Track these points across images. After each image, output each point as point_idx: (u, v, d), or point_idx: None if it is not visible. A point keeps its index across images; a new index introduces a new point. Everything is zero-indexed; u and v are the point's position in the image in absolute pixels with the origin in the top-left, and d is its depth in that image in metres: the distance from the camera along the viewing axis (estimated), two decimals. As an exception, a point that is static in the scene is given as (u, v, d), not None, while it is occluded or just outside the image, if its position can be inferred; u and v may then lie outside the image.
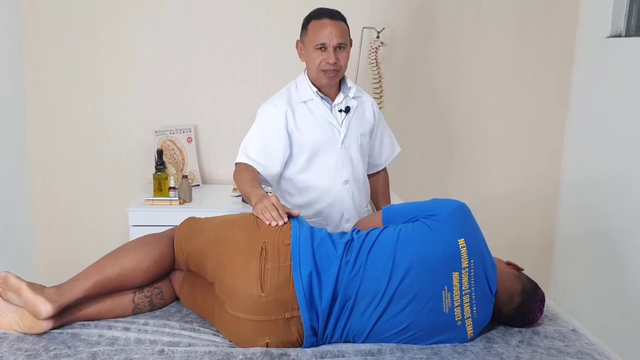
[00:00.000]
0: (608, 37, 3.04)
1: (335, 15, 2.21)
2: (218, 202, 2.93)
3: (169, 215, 2.75)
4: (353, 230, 1.93)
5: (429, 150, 3.35)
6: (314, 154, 2.26)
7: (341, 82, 2.33)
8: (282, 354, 1.73)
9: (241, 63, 3.16)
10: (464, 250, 1.78)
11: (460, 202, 1.89)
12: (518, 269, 2.01)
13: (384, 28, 3.05)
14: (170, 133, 3.12)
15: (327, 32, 2.16)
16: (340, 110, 2.29)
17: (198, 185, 3.16)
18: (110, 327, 1.88)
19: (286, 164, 2.30)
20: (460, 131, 3.34)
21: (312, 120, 2.26)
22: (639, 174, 2.77)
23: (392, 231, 1.85)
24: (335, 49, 2.17)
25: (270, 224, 1.87)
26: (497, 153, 3.39)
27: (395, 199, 3.03)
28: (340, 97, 2.30)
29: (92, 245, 3.19)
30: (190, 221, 2.09)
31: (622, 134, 2.90)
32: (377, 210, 2.64)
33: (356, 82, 3.07)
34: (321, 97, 2.28)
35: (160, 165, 2.91)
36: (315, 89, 2.27)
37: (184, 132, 3.14)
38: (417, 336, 1.80)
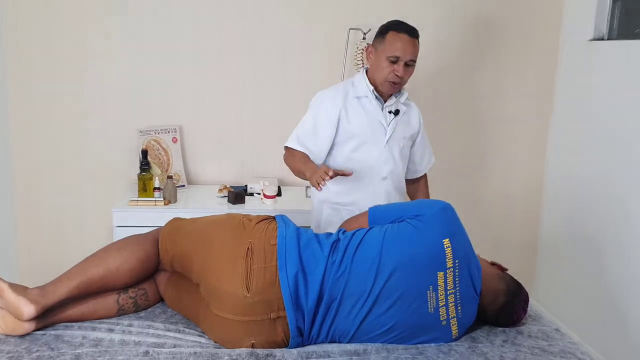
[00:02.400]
0: (591, 40, 3.07)
1: (414, 33, 2.33)
2: (203, 203, 2.92)
3: (153, 216, 2.73)
4: (339, 231, 1.93)
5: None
6: (359, 145, 2.38)
7: None
8: (267, 354, 1.73)
9: (226, 63, 3.15)
10: (448, 251, 1.79)
11: (446, 202, 1.90)
12: (502, 269, 2.02)
13: (370, 29, 3.05)
14: (155, 133, 3.10)
15: (403, 47, 2.29)
16: (390, 112, 2.40)
17: (183, 185, 3.15)
18: (94, 329, 1.86)
19: (333, 150, 2.41)
20: (444, 133, 3.35)
21: (363, 114, 2.37)
22: (621, 175, 2.80)
23: (377, 231, 1.85)
24: (405, 64, 2.30)
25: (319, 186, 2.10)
26: (481, 155, 3.41)
27: (381, 200, 3.04)
28: (392, 100, 2.42)
29: (75, 246, 3.16)
30: (176, 222, 2.08)
31: (604, 136, 2.93)
32: None
33: (342, 83, 3.08)
34: (375, 97, 2.39)
35: (145, 165, 2.90)
36: (372, 88, 2.38)
37: (169, 132, 3.13)
38: (403, 336, 1.81)
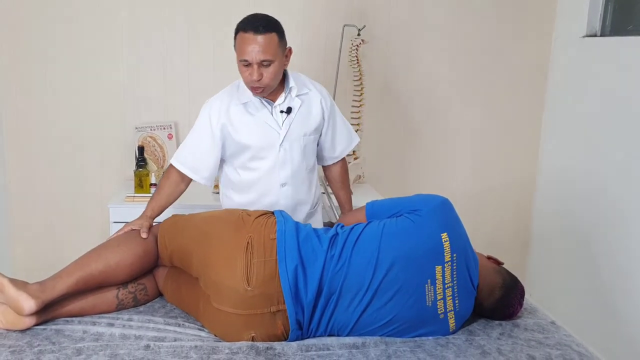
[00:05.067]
0: (584, 36, 3.10)
1: (259, 30, 2.04)
2: (199, 199, 2.91)
3: (150, 211, 2.73)
4: (337, 225, 1.95)
5: (407, 147, 3.38)
6: (251, 156, 2.23)
7: (283, 81, 2.23)
8: (267, 347, 1.74)
9: (221, 60, 3.15)
10: (446, 245, 1.81)
11: (443, 197, 1.92)
12: (498, 263, 2.05)
13: (364, 26, 3.06)
14: (151, 129, 3.10)
15: (249, 48, 2.04)
16: (282, 111, 2.21)
17: (179, 181, 3.15)
18: (94, 323, 1.87)
19: (227, 162, 2.30)
20: (439, 128, 3.37)
21: (251, 122, 2.20)
22: (613, 171, 2.83)
23: (376, 226, 1.87)
24: (259, 65, 2.06)
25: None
26: (475, 150, 3.43)
27: (375, 196, 3.06)
28: (281, 98, 2.21)
29: (72, 242, 3.16)
30: (174, 218, 2.10)
31: (596, 132, 2.96)
32: (337, 199, 2.59)
33: (337, 80, 3.08)
34: (260, 99, 2.20)
35: (141, 161, 2.90)
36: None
37: (164, 128, 3.13)
38: (401, 329, 1.83)
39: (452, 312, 1.85)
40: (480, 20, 3.29)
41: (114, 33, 3.05)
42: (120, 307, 1.99)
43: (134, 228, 2.08)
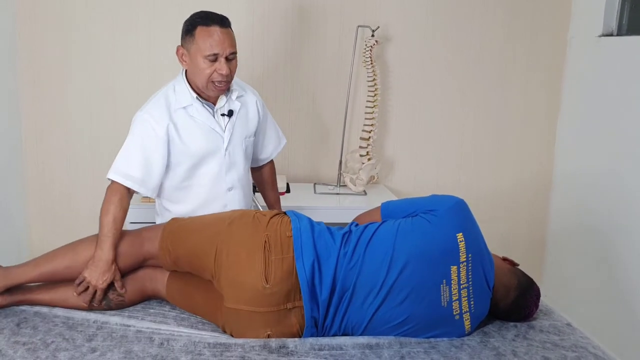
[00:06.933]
0: (600, 36, 3.07)
1: (225, 22, 2.04)
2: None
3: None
4: (351, 224, 1.95)
5: (421, 148, 3.36)
6: (196, 162, 2.14)
7: None
8: (280, 346, 1.75)
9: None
10: (462, 245, 1.80)
11: (459, 197, 1.91)
12: (514, 264, 2.03)
13: (378, 27, 3.06)
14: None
15: (219, 41, 2.00)
16: (223, 115, 2.16)
17: (192, 182, 3.15)
18: (105, 323, 1.88)
19: (166, 173, 2.14)
20: (453, 129, 3.36)
21: (195, 128, 2.11)
22: (630, 171, 2.80)
23: (391, 225, 1.87)
24: (226, 58, 2.03)
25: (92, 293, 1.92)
26: (490, 151, 3.41)
27: (389, 196, 3.06)
28: (222, 101, 2.16)
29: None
30: (178, 222, 2.06)
31: (613, 133, 2.93)
32: (266, 201, 2.58)
33: (350, 81, 3.08)
34: (202, 102, 2.13)
35: (155, 161, 2.90)
36: (195, 95, 2.11)
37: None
38: (415, 329, 1.82)
39: (468, 313, 1.83)
40: (494, 19, 3.27)
41: (130, 31, 3.07)
42: (91, 306, 1.94)
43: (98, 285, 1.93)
